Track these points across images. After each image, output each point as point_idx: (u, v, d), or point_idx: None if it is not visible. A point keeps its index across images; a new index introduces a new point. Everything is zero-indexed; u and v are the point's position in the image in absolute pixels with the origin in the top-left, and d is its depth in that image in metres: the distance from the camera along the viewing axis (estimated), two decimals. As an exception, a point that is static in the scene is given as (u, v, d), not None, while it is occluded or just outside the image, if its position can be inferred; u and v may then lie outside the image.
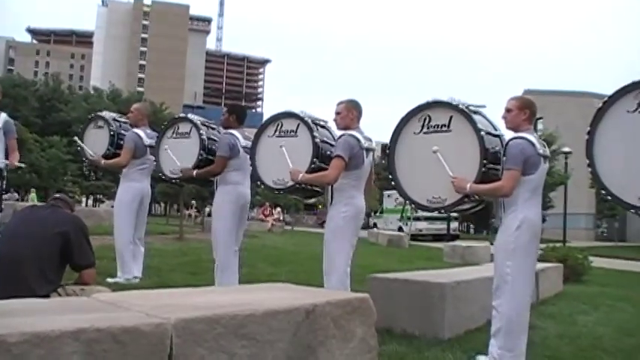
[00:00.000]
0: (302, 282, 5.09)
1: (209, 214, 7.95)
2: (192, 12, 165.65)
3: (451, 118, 5.40)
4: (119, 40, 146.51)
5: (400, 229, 36.49)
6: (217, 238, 7.13)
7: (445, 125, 5.43)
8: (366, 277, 6.60)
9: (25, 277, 4.38)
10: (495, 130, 5.48)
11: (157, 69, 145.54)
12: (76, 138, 9.31)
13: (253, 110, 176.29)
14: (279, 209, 42.61)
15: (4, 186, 8.14)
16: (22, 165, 8.22)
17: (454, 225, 39.56)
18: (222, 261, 7.06)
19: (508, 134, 5.25)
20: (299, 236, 27.90)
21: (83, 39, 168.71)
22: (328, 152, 6.23)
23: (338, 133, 6.22)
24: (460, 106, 5.35)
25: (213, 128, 7.80)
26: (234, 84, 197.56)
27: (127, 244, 8.15)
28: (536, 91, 47.74)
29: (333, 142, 6.23)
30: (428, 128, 5.53)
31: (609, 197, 4.77)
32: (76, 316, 2.70)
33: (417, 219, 35.33)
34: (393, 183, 5.76)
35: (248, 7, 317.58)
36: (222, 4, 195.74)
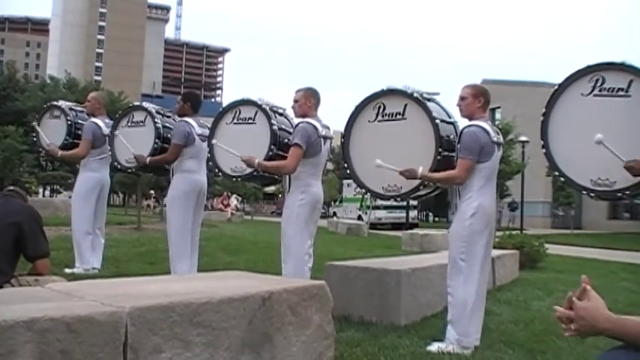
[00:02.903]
0: (260, 271, 5.12)
1: (167, 205, 7.91)
2: (151, 0, 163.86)
3: (406, 106, 5.46)
4: (76, 28, 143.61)
5: (360, 217, 36.62)
6: (172, 226, 7.11)
7: (400, 113, 5.49)
8: (324, 265, 6.63)
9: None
10: (449, 117, 5.57)
11: (114, 58, 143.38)
12: (34, 124, 9.18)
13: (212, 99, 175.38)
14: (235, 196, 42.50)
15: None
16: None
17: (413, 213, 39.78)
18: (176, 249, 7.04)
19: (462, 122, 5.32)
20: (258, 225, 27.82)
21: (39, 26, 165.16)
22: (286, 140, 6.25)
23: (296, 120, 6.24)
24: (414, 94, 5.41)
25: (168, 116, 7.76)
26: (193, 73, 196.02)
27: (85, 235, 8.06)
28: (494, 81, 47.99)
29: (291, 130, 6.24)
30: (382, 116, 5.59)
31: (562, 179, 4.86)
32: (29, 306, 2.68)
33: (376, 208, 35.39)
34: (348, 171, 5.81)
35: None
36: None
